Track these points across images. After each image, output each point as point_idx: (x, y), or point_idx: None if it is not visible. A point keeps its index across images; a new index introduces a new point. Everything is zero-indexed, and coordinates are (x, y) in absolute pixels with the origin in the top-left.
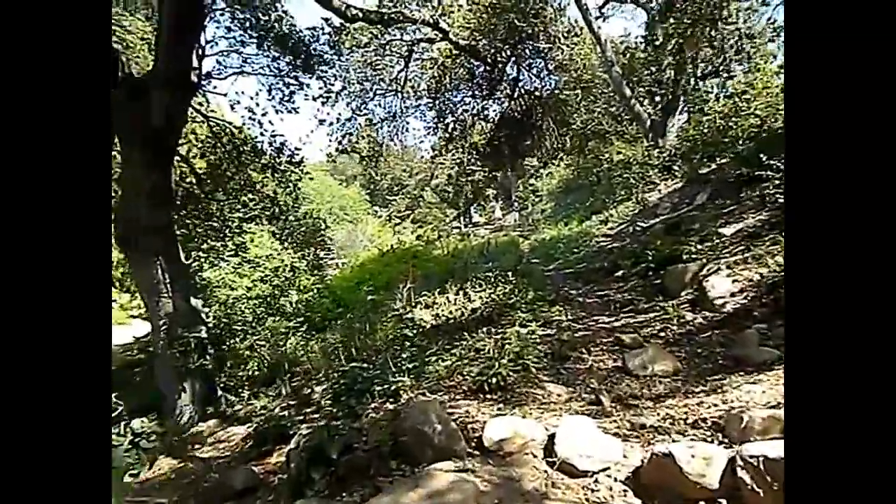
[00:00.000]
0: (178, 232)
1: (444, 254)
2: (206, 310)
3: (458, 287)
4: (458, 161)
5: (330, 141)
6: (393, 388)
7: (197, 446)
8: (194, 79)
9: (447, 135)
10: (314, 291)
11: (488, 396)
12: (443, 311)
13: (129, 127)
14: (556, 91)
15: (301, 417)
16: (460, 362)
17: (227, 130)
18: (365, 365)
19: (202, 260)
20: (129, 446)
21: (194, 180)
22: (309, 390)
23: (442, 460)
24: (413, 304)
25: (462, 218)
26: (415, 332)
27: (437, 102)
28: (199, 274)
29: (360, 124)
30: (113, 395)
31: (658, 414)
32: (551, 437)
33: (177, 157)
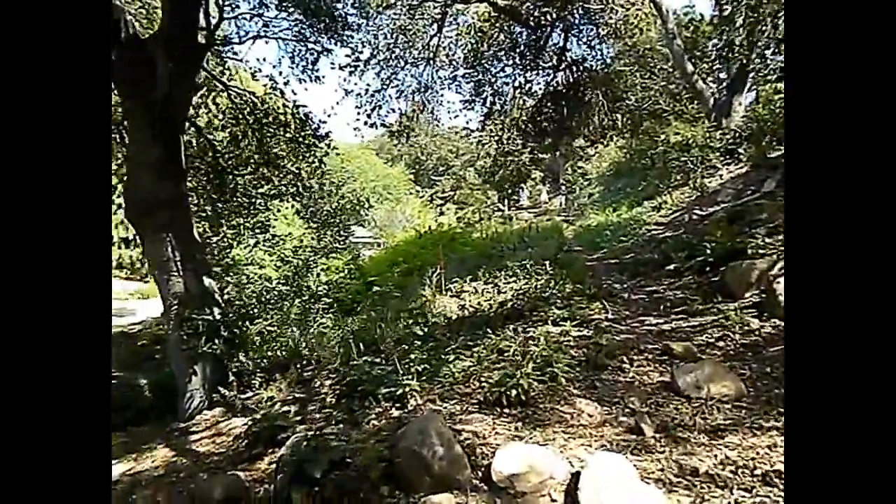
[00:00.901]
0: (207, 208)
1: (483, 237)
2: (220, 290)
3: (490, 275)
4: (497, 139)
5: (358, 114)
6: (400, 391)
7: (196, 437)
8: (201, 40)
9: (485, 109)
10: (345, 272)
11: (506, 411)
12: (470, 301)
13: (133, 94)
14: (609, 62)
15: (299, 417)
16: (479, 366)
17: (249, 101)
18: (377, 360)
19: (229, 238)
20: None
21: (213, 153)
22: (318, 383)
23: (441, 491)
24: (443, 290)
25: (506, 200)
26: (427, 328)
27: (474, 73)
28: (227, 252)
29: (389, 96)
30: (133, 373)
31: (715, 456)
32: (575, 477)
33: (193, 129)
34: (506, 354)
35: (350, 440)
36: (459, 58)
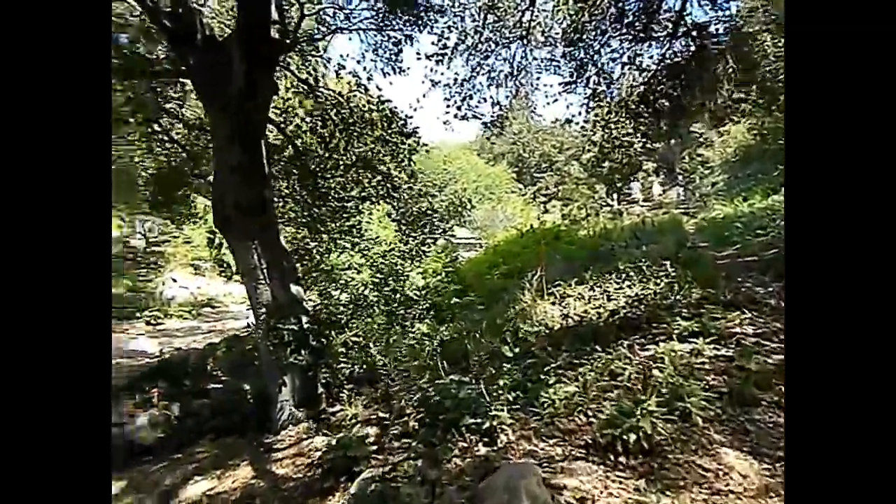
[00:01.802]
0: (304, 214)
1: (591, 235)
2: (307, 298)
3: (598, 277)
4: (603, 124)
5: (448, 106)
6: (488, 424)
7: (278, 455)
8: (275, 34)
9: (588, 91)
10: (442, 276)
11: (622, 461)
12: (575, 308)
13: (213, 98)
14: (738, 25)
15: (376, 447)
16: (585, 394)
17: (335, 100)
18: (465, 380)
19: (325, 243)
20: None
21: (304, 157)
22: (402, 402)
23: None
24: (544, 294)
25: (615, 195)
26: (521, 343)
27: (574, 51)
28: (327, 257)
29: (480, 84)
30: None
31: None
32: None
33: (282, 134)
34: (619, 379)
35: (426, 479)
36: (557, 34)
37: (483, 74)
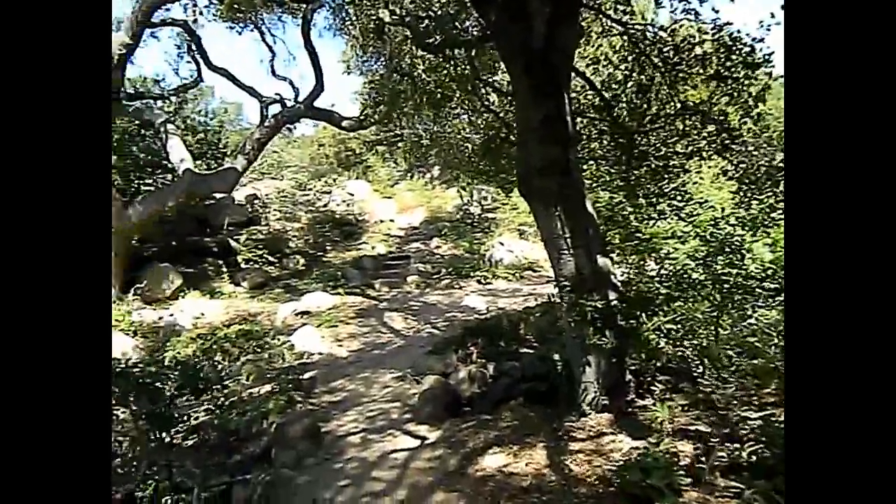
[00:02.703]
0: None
1: None
2: (618, 271)
3: None
4: None
5: None
6: None
7: (575, 446)
8: None
9: None
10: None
11: None
12: None
13: (512, 54)
14: None
15: (689, 479)
16: None
17: (653, 36)
18: None
19: (641, 209)
20: None
21: (614, 110)
22: (737, 415)
23: None
24: None
25: None
26: None
27: None
28: (647, 225)
29: None
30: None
31: None
32: None
33: (589, 86)
34: None
35: None
36: None
37: None
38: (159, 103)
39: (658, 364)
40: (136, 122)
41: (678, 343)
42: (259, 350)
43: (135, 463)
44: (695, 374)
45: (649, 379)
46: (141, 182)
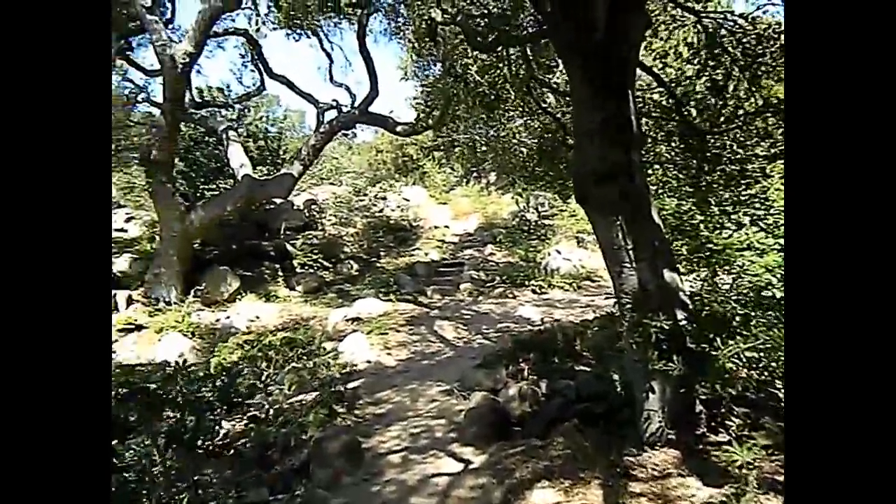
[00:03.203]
0: (688, 181)
1: None
2: (687, 288)
3: None
4: None
5: None
6: None
7: (636, 488)
8: None
9: None
10: None
11: None
12: None
13: (570, 49)
14: None
15: None
16: None
17: (730, 26)
18: None
19: (714, 218)
20: None
21: (685, 110)
22: None
23: None
24: None
25: None
26: None
27: None
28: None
29: None
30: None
31: None
32: None
33: (658, 83)
34: None
35: None
36: None
37: None
38: (224, 111)
39: (733, 392)
40: (202, 129)
41: (758, 369)
42: (304, 357)
43: (160, 478)
44: (778, 407)
45: (723, 411)
46: (205, 187)
